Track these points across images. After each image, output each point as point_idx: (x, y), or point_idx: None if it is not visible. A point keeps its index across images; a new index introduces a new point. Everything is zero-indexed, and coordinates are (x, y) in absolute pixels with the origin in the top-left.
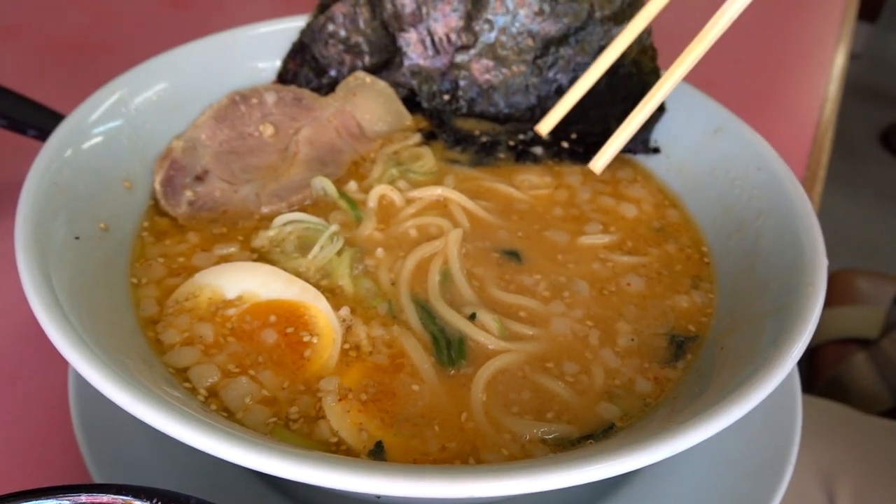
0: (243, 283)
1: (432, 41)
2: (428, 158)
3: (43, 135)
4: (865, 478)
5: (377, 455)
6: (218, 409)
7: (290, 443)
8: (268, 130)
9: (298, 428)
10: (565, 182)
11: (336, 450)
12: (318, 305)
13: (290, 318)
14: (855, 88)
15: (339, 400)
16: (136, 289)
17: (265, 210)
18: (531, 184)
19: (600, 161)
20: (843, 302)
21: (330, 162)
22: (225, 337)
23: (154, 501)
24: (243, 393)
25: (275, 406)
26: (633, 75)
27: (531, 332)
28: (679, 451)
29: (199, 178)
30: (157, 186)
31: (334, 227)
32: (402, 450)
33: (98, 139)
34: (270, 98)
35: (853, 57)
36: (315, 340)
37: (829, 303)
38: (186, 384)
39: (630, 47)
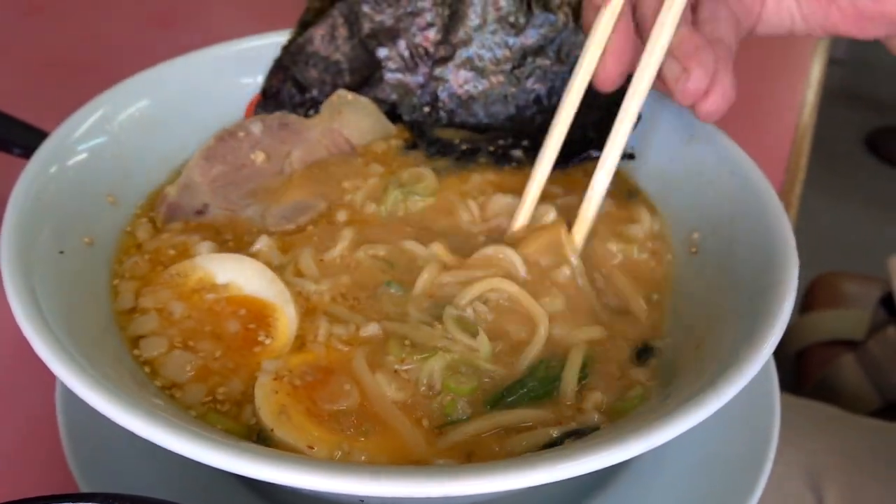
0: (234, 274)
1: (411, 55)
2: (430, 180)
3: (29, 153)
4: (854, 477)
5: (261, 441)
6: (163, 384)
7: (218, 425)
8: (259, 158)
9: (228, 410)
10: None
11: (249, 431)
12: (285, 311)
13: (257, 316)
14: (839, 94)
15: (274, 379)
16: (117, 286)
17: (273, 231)
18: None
19: (578, 235)
20: (830, 305)
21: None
22: (190, 316)
23: None
24: (183, 362)
25: (208, 383)
26: None
27: None
28: (652, 448)
29: (200, 212)
30: (160, 225)
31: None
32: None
33: (82, 156)
34: (256, 128)
35: (836, 63)
36: (268, 342)
37: (815, 306)
38: (136, 351)
39: None
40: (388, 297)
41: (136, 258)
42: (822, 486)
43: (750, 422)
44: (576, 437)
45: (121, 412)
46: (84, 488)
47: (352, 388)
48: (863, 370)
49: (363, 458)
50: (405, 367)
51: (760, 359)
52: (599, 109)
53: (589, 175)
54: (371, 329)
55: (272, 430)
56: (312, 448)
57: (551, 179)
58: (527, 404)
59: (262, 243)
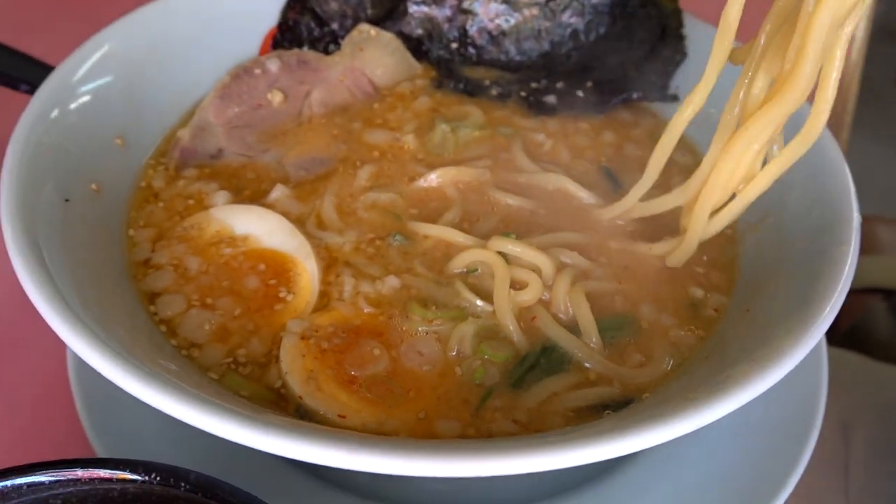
0: (252, 226)
1: None
2: (477, 115)
3: (35, 90)
4: (881, 425)
5: (302, 416)
6: (180, 344)
7: (239, 388)
8: (277, 98)
9: (249, 372)
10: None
11: (276, 395)
12: (306, 265)
13: (277, 271)
14: (878, 29)
15: (302, 339)
16: (133, 236)
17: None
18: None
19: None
20: (863, 251)
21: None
22: (207, 272)
23: (152, 476)
24: (202, 321)
25: (228, 344)
26: (652, 17)
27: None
28: (704, 425)
29: (214, 157)
30: (172, 172)
31: None
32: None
33: (87, 96)
34: (274, 66)
35: None
36: (290, 298)
37: None
38: (152, 307)
39: None
40: (395, 249)
41: (151, 207)
42: (851, 433)
43: (796, 386)
44: (614, 409)
45: (130, 379)
46: (100, 452)
47: (381, 352)
48: None
49: (395, 426)
50: (434, 329)
51: (816, 334)
52: (642, 46)
53: (637, 115)
54: (391, 282)
55: (301, 397)
56: (344, 417)
57: (594, 126)
58: (556, 370)
59: (279, 192)
